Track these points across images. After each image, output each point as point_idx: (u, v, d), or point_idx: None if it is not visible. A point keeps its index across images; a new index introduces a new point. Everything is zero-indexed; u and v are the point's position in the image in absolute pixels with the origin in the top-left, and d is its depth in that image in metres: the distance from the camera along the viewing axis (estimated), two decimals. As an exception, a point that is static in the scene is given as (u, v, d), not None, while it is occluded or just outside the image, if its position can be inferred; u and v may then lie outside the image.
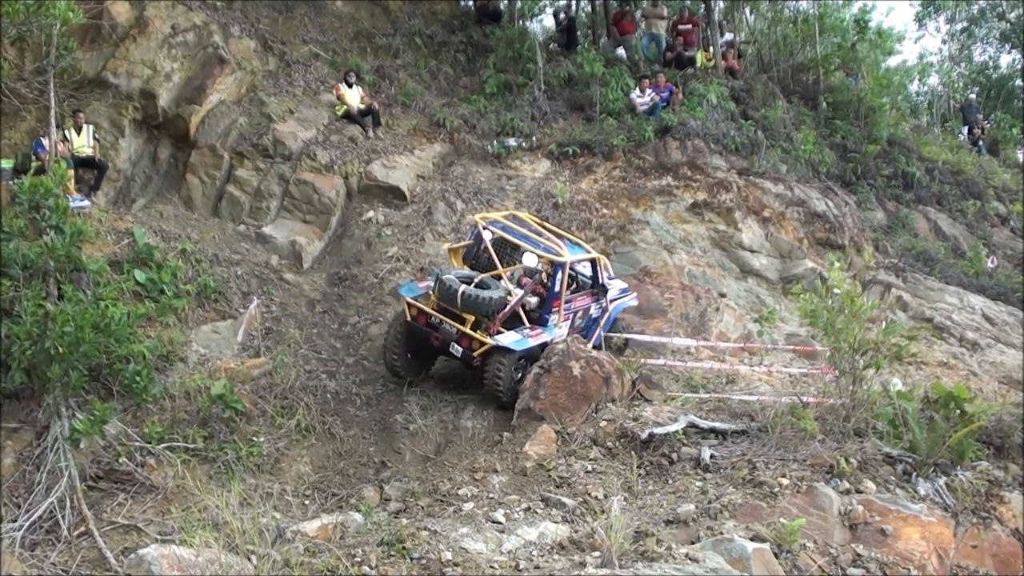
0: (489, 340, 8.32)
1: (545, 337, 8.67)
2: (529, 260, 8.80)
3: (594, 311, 9.57)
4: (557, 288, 8.73)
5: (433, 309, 8.60)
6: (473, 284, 8.49)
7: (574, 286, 9.44)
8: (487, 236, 9.22)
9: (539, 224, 9.77)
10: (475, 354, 8.45)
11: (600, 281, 9.55)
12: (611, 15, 17.62)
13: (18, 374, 6.95)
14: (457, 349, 8.54)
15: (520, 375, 8.53)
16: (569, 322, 9.15)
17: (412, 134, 13.40)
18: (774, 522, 5.46)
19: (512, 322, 8.68)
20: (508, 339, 8.40)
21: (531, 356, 8.54)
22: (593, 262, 9.49)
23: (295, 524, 6.00)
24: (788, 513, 5.58)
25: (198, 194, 11.43)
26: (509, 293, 8.63)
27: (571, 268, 9.10)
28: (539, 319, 8.84)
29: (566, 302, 8.98)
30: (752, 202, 13.43)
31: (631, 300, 10.16)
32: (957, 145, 19.37)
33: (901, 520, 5.63)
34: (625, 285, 10.35)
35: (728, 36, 17.21)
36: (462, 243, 9.93)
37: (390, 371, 9.12)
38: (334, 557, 5.14)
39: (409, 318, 8.74)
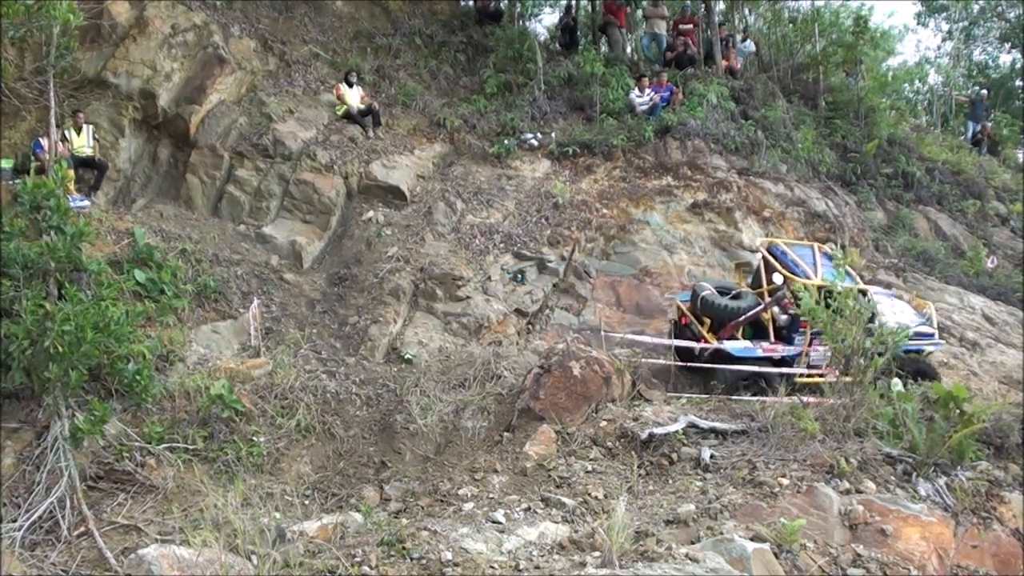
0: (714, 342, 8.91)
1: (780, 352, 9.00)
2: (776, 279, 9.22)
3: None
4: None
5: (691, 313, 9.54)
6: (730, 295, 9.17)
7: None
8: (758, 257, 9.91)
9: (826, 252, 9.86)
10: (706, 354, 9.02)
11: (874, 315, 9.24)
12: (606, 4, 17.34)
13: (18, 374, 6.95)
14: (696, 348, 9.20)
15: (745, 381, 8.88)
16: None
17: (412, 134, 13.39)
18: (774, 522, 5.45)
19: (763, 336, 9.26)
20: (732, 345, 8.97)
21: (763, 371, 8.71)
22: (864, 295, 9.23)
23: (295, 524, 5.99)
24: (788, 513, 5.57)
25: (198, 194, 11.43)
26: (766, 309, 9.08)
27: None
28: (786, 336, 9.16)
29: None
30: (752, 202, 13.43)
31: (928, 345, 9.57)
32: (957, 145, 19.38)
33: (901, 520, 5.62)
34: (931, 331, 9.75)
35: (729, 37, 17.15)
36: (746, 262, 11.03)
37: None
38: (334, 557, 5.13)
39: (677, 318, 10.07)
